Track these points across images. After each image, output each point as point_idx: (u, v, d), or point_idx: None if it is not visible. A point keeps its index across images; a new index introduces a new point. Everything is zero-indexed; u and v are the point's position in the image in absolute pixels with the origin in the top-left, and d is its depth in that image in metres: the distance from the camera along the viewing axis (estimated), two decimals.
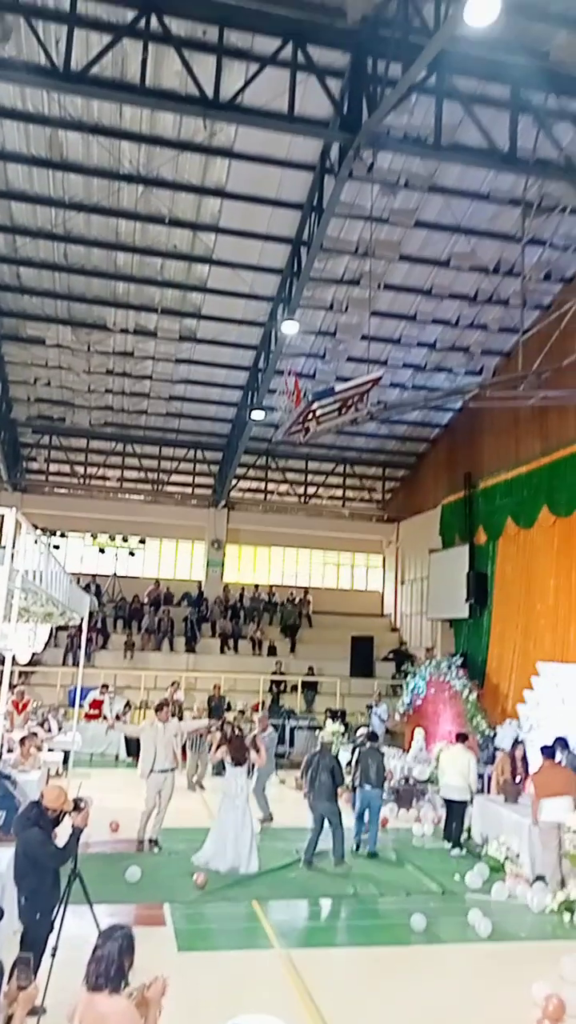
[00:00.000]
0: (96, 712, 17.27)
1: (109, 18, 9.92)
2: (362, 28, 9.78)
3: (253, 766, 10.33)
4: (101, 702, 17.46)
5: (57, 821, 5.68)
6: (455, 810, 10.56)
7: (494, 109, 10.74)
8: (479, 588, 17.32)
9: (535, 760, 11.15)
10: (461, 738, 11.13)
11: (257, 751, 9.79)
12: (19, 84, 10.59)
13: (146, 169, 12.33)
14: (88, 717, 17.02)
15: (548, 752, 9.45)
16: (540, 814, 8.73)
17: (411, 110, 10.77)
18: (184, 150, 11.90)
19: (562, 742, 10.51)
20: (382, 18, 9.46)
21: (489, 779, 11.95)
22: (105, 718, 17.44)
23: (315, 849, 9.54)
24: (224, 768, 9.78)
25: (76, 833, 5.51)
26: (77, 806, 5.65)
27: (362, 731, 11.44)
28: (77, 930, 5.56)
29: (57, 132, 11.86)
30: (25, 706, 14.56)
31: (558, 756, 9.94)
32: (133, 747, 17.27)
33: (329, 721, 16.84)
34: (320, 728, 16.77)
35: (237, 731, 10.06)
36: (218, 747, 9.89)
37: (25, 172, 12.63)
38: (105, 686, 17.79)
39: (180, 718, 16.32)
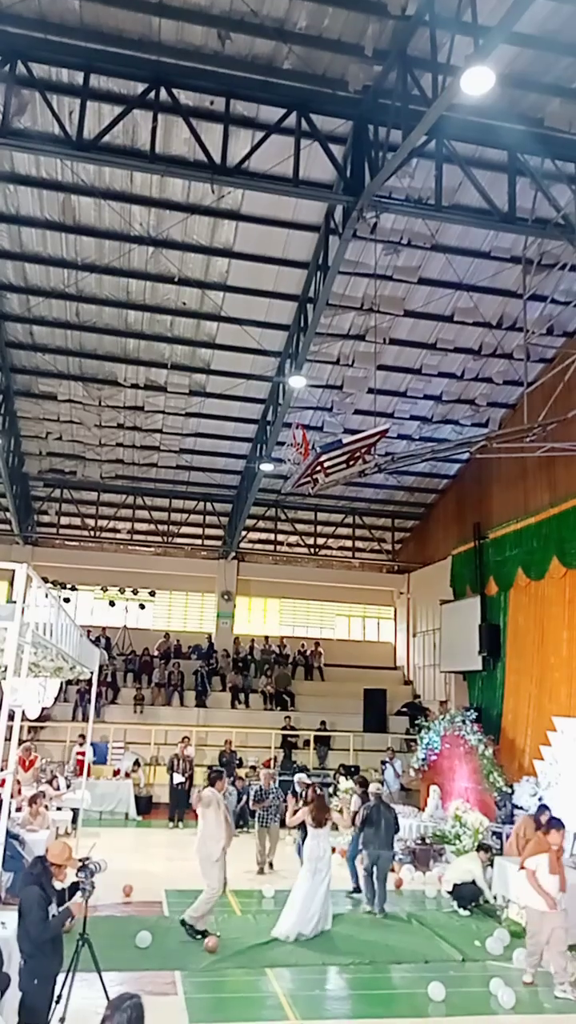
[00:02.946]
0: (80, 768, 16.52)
1: (120, 90, 10.36)
2: (363, 97, 10.18)
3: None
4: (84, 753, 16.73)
5: (66, 893, 5.52)
6: None
7: (492, 172, 11.09)
8: (492, 640, 17.12)
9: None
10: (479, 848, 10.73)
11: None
12: (34, 153, 11.02)
13: (156, 231, 12.70)
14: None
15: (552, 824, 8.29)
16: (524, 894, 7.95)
17: (412, 173, 11.14)
18: (193, 213, 12.27)
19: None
20: (382, 88, 9.85)
21: (507, 838, 11.58)
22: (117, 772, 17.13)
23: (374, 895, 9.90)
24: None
25: (63, 915, 5.34)
26: (84, 866, 5.52)
27: (374, 787, 11.19)
28: (85, 1000, 5.39)
29: (70, 197, 12.28)
30: (32, 763, 14.35)
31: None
32: (143, 805, 16.98)
33: (342, 778, 16.49)
34: (335, 784, 16.41)
35: (318, 790, 9.81)
36: (295, 811, 9.79)
37: (39, 235, 13.04)
38: (82, 736, 16.26)
39: (192, 776, 16.13)
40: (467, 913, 10.08)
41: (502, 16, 7.24)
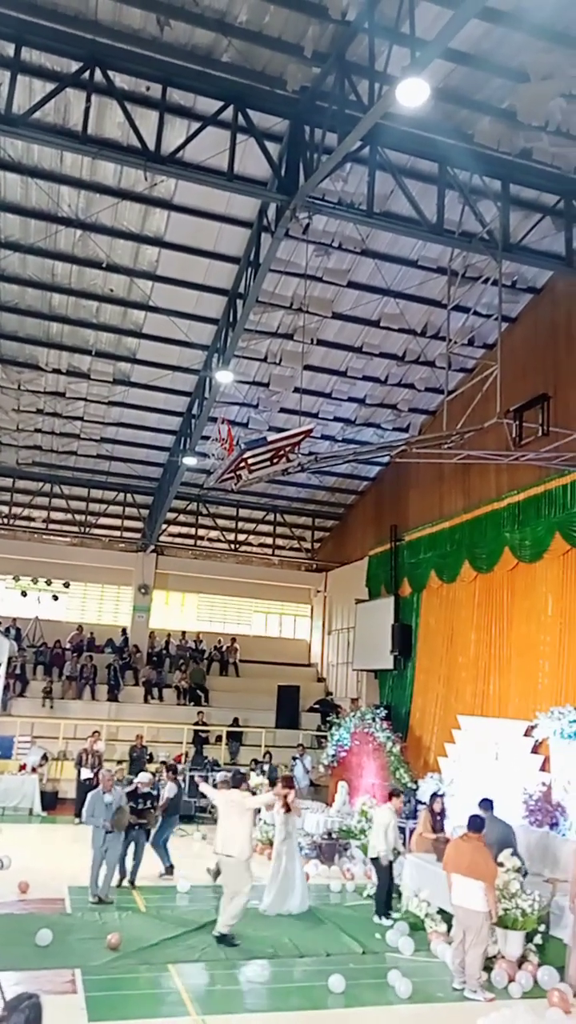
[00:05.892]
0: None
1: (53, 67, 10.06)
2: (300, 98, 10.22)
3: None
4: None
5: None
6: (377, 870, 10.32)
7: (423, 183, 11.35)
8: (403, 640, 17.52)
9: (454, 813, 11.18)
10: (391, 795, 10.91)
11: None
12: None
13: (85, 214, 12.41)
14: None
15: (472, 824, 8.06)
16: (452, 894, 7.83)
17: (346, 178, 11.28)
18: (124, 199, 12.05)
19: (487, 803, 9.49)
20: (320, 90, 9.92)
21: (410, 834, 11.86)
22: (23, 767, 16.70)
23: None
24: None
25: None
26: None
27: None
28: None
29: None
30: None
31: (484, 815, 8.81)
32: (49, 800, 16.59)
33: (253, 774, 16.54)
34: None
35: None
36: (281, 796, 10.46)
37: None
38: None
39: (100, 771, 15.84)
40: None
41: (439, 31, 7.39)
